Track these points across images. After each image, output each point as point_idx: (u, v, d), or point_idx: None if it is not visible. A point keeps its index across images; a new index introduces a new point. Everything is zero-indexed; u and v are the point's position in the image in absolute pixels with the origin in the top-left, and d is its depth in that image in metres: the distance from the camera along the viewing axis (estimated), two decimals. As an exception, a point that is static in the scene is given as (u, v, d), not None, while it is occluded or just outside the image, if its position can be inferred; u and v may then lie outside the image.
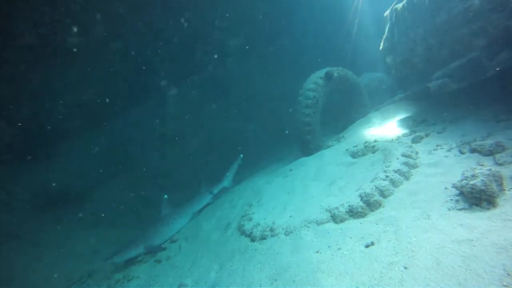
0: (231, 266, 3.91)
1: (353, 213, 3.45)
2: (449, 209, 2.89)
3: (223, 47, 10.14)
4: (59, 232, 7.97)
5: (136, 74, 8.65)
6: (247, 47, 10.51)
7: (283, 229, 3.89)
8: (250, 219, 4.73)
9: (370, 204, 3.45)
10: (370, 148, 5.18)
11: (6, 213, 7.76)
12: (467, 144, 4.00)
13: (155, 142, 10.37)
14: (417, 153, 4.33)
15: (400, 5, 6.30)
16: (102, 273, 5.91)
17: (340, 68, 7.72)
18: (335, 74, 7.39)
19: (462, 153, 3.90)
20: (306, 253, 3.25)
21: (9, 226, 7.48)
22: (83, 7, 6.20)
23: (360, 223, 3.30)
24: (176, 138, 10.55)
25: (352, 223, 3.37)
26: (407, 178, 3.76)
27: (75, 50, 6.75)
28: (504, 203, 2.70)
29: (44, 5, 5.82)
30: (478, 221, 2.59)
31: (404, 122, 6.16)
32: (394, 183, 3.66)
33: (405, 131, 5.58)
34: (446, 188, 3.21)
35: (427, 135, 4.91)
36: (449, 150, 4.10)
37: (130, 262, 5.83)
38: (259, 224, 4.34)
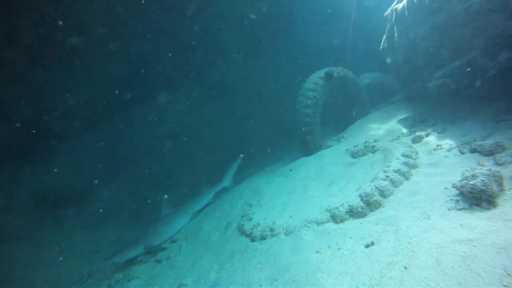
0: (231, 266, 3.91)
1: (353, 213, 3.45)
2: (449, 209, 2.89)
3: (224, 47, 10.14)
4: (59, 232, 7.98)
5: (136, 74, 8.65)
6: (247, 47, 10.52)
7: (283, 229, 3.89)
8: (250, 219, 4.73)
9: (370, 204, 3.45)
10: (370, 148, 5.18)
11: (6, 213, 7.76)
12: (467, 144, 4.00)
13: (155, 142, 10.36)
14: (417, 153, 4.33)
15: (400, 5, 6.30)
16: (102, 273, 5.91)
17: (340, 68, 7.72)
18: (335, 74, 7.39)
19: (462, 153, 3.90)
20: (306, 253, 3.25)
21: (9, 226, 7.48)
22: (83, 7, 6.20)
23: (360, 223, 3.30)
24: (176, 138, 10.55)
25: (352, 223, 3.37)
26: (407, 178, 3.76)
27: (75, 50, 6.75)
28: (504, 203, 2.70)
29: (44, 5, 5.82)
30: (478, 221, 2.59)
31: (404, 122, 6.16)
32: (394, 183, 3.66)
33: (405, 131, 5.58)
34: (446, 188, 3.21)
35: (427, 135, 4.91)
36: (449, 150, 4.10)
37: (130, 262, 5.83)
38: (259, 224, 4.34)
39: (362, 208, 3.44)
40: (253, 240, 4.15)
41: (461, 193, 2.90)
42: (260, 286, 3.19)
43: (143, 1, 6.96)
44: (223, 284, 3.66)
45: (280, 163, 8.24)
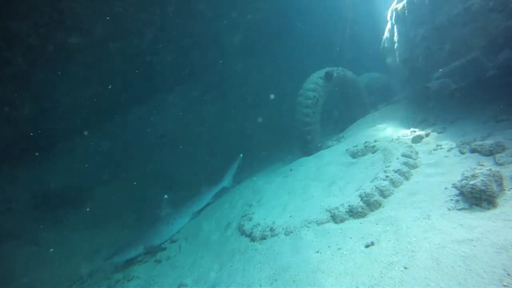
0: (231, 266, 3.91)
1: (353, 213, 3.45)
2: (449, 209, 2.89)
3: (224, 47, 10.14)
4: (59, 232, 7.97)
5: (136, 74, 8.65)
6: (247, 47, 10.51)
7: (283, 229, 3.89)
8: (250, 219, 4.73)
9: (370, 204, 3.45)
10: (370, 148, 5.18)
11: (6, 213, 7.76)
12: (467, 144, 4.00)
13: (155, 142, 10.37)
14: (417, 153, 4.33)
15: (400, 5, 6.30)
16: (102, 273, 5.91)
17: (340, 68, 7.72)
18: (335, 74, 7.39)
19: (462, 153, 3.90)
20: (306, 253, 3.25)
21: (9, 226, 7.48)
22: (83, 7, 6.20)
23: (360, 223, 3.30)
24: (176, 138, 10.55)
25: (352, 223, 3.37)
26: (407, 178, 3.76)
27: (75, 50, 6.75)
28: (504, 203, 2.70)
29: (44, 5, 5.81)
30: (478, 221, 2.59)
31: (404, 122, 6.16)
32: (394, 183, 3.66)
33: (405, 131, 5.58)
34: (446, 188, 3.21)
35: (427, 135, 4.91)
36: (449, 150, 4.10)
37: (130, 262, 5.83)
38: (259, 224, 4.34)
39: (362, 208, 3.44)
40: (253, 240, 4.15)
41: (461, 193, 2.90)
42: (260, 286, 3.18)
43: (143, 1, 6.96)
44: (223, 284, 3.66)
45: (280, 163, 8.24)
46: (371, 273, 2.54)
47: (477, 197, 2.76)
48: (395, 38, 6.62)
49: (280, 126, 10.64)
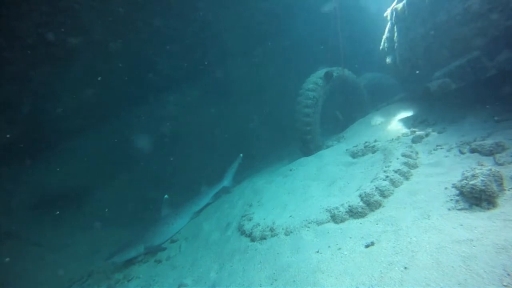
0: (231, 266, 3.91)
1: (353, 213, 3.45)
2: (449, 209, 2.89)
3: (224, 47, 10.14)
4: (59, 232, 7.97)
5: (136, 74, 8.64)
6: (247, 47, 10.52)
7: (283, 229, 3.89)
8: (250, 219, 4.73)
9: (370, 204, 3.45)
10: (370, 148, 5.18)
11: (6, 213, 7.76)
12: (467, 144, 4.00)
13: (155, 142, 10.36)
14: (417, 153, 4.33)
15: (400, 5, 6.30)
16: (102, 273, 5.91)
17: (339, 68, 7.72)
18: (335, 74, 7.39)
19: (462, 153, 3.90)
20: (306, 253, 3.25)
21: (9, 226, 7.48)
22: (83, 7, 6.20)
23: (360, 223, 3.30)
24: (176, 138, 10.55)
25: (352, 223, 3.37)
26: (407, 178, 3.76)
27: (75, 50, 6.75)
28: (504, 203, 2.70)
29: (44, 5, 5.81)
30: (478, 221, 2.59)
31: (404, 122, 6.16)
32: (394, 183, 3.66)
33: (405, 131, 5.58)
34: (446, 188, 3.21)
35: (427, 135, 4.91)
36: (449, 150, 4.10)
37: (130, 262, 5.83)
38: (259, 224, 4.34)
39: (362, 208, 3.44)
40: (253, 240, 4.15)
41: (461, 193, 2.90)
42: (260, 286, 3.19)
43: (143, 1, 6.96)
44: (223, 284, 3.66)
45: (280, 163, 8.24)
46: (371, 273, 2.54)
47: (477, 197, 2.76)
48: (395, 38, 6.62)
49: (280, 126, 10.65)
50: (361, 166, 4.81)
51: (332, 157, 5.77)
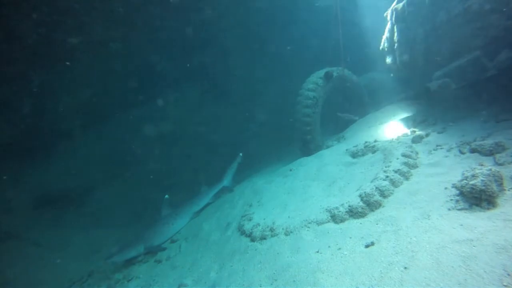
0: (231, 266, 3.91)
1: (353, 213, 3.45)
2: (449, 209, 2.89)
3: (224, 47, 10.14)
4: (59, 232, 7.97)
5: (136, 74, 8.65)
6: (247, 47, 10.51)
7: (283, 229, 3.89)
8: (250, 219, 4.73)
9: (370, 204, 3.45)
10: (370, 148, 5.18)
11: (6, 213, 7.76)
12: (467, 144, 4.00)
13: (155, 142, 10.37)
14: (417, 153, 4.33)
15: (400, 5, 6.30)
16: (102, 273, 5.91)
17: (339, 68, 7.72)
18: (335, 74, 7.39)
19: (462, 153, 3.90)
20: (306, 253, 3.25)
21: (9, 226, 7.48)
22: (83, 7, 6.20)
23: (360, 223, 3.30)
24: (176, 138, 10.55)
25: (352, 223, 3.37)
26: (407, 178, 3.76)
27: (75, 50, 6.75)
28: (504, 203, 2.70)
29: (44, 5, 5.81)
30: (478, 221, 2.59)
31: (404, 122, 6.16)
32: (394, 183, 3.66)
33: (405, 131, 5.58)
34: (446, 188, 3.21)
35: (427, 135, 4.91)
36: (449, 150, 4.10)
37: (130, 262, 5.83)
38: (259, 224, 4.34)
39: (362, 208, 3.44)
40: (253, 240, 4.15)
41: (461, 193, 2.90)
42: (260, 286, 3.18)
43: (143, 1, 6.96)
44: (223, 284, 3.66)
45: (280, 163, 8.24)
46: (371, 273, 2.54)
47: (477, 197, 2.75)
48: (395, 38, 6.62)
49: (280, 126, 10.64)
50: (361, 166, 4.81)
51: (332, 157, 5.77)
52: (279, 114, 10.69)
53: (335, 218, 3.54)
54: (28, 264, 6.76)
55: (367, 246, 2.88)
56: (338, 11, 7.45)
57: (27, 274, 6.44)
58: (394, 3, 6.59)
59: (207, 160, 10.48)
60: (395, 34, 6.60)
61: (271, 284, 3.12)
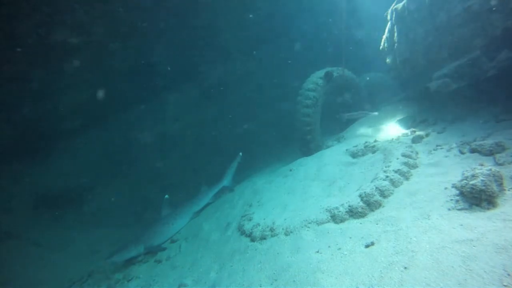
0: (231, 266, 3.91)
1: (353, 213, 3.45)
2: (449, 209, 2.89)
3: (224, 47, 10.14)
4: (59, 232, 7.97)
5: (136, 74, 8.65)
6: (247, 47, 10.51)
7: (283, 229, 3.89)
8: (250, 219, 4.73)
9: (370, 204, 3.45)
10: (370, 148, 5.18)
11: (6, 213, 7.76)
12: (467, 144, 4.00)
13: (155, 142, 10.37)
14: (417, 153, 4.33)
15: (400, 5, 6.30)
16: (102, 273, 5.91)
17: (340, 68, 7.72)
18: (335, 74, 7.39)
19: (462, 153, 3.90)
20: (306, 253, 3.25)
21: (9, 226, 7.48)
22: (83, 7, 6.19)
23: (360, 223, 3.30)
24: (176, 138, 10.55)
25: (352, 223, 3.37)
26: (407, 178, 3.76)
27: (75, 50, 6.75)
28: (504, 203, 2.70)
29: (44, 5, 5.81)
30: (478, 221, 2.59)
31: (404, 122, 6.16)
32: (394, 183, 3.66)
33: (405, 131, 5.58)
34: (446, 188, 3.21)
35: (427, 135, 4.91)
36: (449, 150, 4.10)
37: (130, 262, 5.83)
38: (259, 224, 4.34)
39: (362, 208, 3.44)
40: (253, 240, 4.15)
41: (461, 193, 2.90)
42: (260, 286, 3.18)
43: (143, 2, 6.96)
44: (223, 284, 3.66)
45: (280, 163, 8.24)
46: (371, 273, 2.54)
47: (477, 197, 2.76)
48: (395, 38, 6.62)
49: (280, 126, 10.64)
50: (361, 166, 4.81)
51: (332, 157, 5.77)
52: (279, 114, 10.70)
53: (335, 218, 3.54)
54: (28, 264, 6.76)
55: (367, 246, 2.88)
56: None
57: (27, 274, 6.44)
58: (394, 3, 6.59)
59: (207, 160, 10.48)
60: (395, 34, 6.60)
61: (271, 284, 3.12)
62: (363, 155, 5.22)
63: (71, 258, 6.95)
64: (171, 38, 8.53)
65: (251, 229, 4.32)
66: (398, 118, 6.53)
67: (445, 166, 3.74)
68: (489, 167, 2.87)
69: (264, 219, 4.50)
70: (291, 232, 3.76)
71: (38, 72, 6.80)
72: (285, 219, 4.12)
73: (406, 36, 6.23)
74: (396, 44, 6.63)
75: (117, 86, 8.35)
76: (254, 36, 10.36)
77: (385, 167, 3.99)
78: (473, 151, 3.79)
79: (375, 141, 5.46)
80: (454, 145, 4.16)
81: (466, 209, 2.79)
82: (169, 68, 9.19)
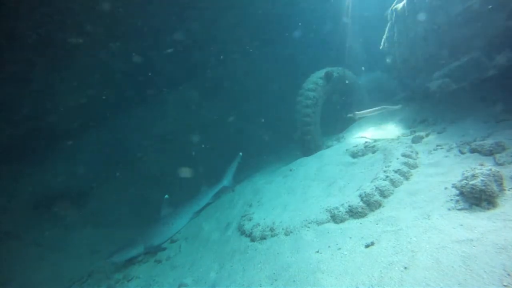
0: (231, 266, 3.91)
1: (353, 213, 3.45)
2: (449, 209, 2.89)
3: (223, 47, 10.14)
4: (59, 232, 7.97)
5: (136, 74, 8.65)
6: (247, 47, 10.51)
7: (283, 229, 3.89)
8: (250, 219, 4.73)
9: (370, 204, 3.45)
10: (370, 148, 5.18)
11: (6, 213, 7.76)
12: (467, 144, 4.00)
13: (155, 142, 10.37)
14: (417, 153, 4.33)
15: (400, 5, 6.30)
16: (102, 273, 5.91)
17: (339, 68, 7.72)
18: (335, 74, 7.39)
19: (462, 153, 3.90)
20: (306, 253, 3.25)
21: (9, 226, 7.48)
22: (83, 7, 6.19)
23: (360, 223, 3.30)
24: (176, 138, 10.55)
25: (352, 223, 3.37)
26: (407, 178, 3.76)
27: (75, 50, 6.75)
28: (504, 203, 2.70)
29: (44, 5, 5.81)
30: (478, 221, 2.59)
31: (404, 122, 6.16)
32: (394, 183, 3.66)
33: (405, 131, 5.58)
34: (446, 188, 3.21)
35: (427, 135, 4.91)
36: (449, 150, 4.10)
37: (130, 262, 5.83)
38: (259, 224, 4.34)
39: (362, 208, 3.44)
40: (253, 240, 4.15)
41: (461, 193, 2.90)
42: (260, 286, 3.18)
43: (143, 2, 6.96)
44: (223, 284, 3.66)
45: (280, 163, 8.24)
46: (371, 273, 2.54)
47: (477, 197, 2.76)
48: (395, 38, 6.62)
49: (280, 126, 10.64)
50: (361, 166, 4.81)
51: (332, 157, 5.77)
52: (279, 114, 10.70)
53: (335, 218, 3.54)
54: (28, 264, 6.76)
55: (367, 246, 2.88)
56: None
57: (27, 274, 6.44)
58: (394, 3, 6.59)
59: (207, 160, 10.48)
60: (395, 34, 6.60)
61: (271, 284, 3.12)
62: (363, 155, 5.22)
63: (71, 258, 6.96)
64: (171, 38, 8.52)
65: (251, 229, 4.32)
66: (398, 118, 6.53)
67: (445, 166, 3.74)
68: (489, 167, 2.87)
69: (264, 219, 4.50)
70: (291, 232, 3.76)
71: (38, 72, 6.80)
72: (285, 219, 4.12)
73: (406, 36, 6.23)
74: (396, 44, 6.64)
75: (116, 86, 8.35)
76: (255, 36, 10.36)
77: (385, 167, 3.99)
78: (473, 151, 3.79)
79: (375, 141, 5.46)
80: (454, 145, 4.16)
81: (466, 209, 2.79)
82: (168, 68, 9.20)
